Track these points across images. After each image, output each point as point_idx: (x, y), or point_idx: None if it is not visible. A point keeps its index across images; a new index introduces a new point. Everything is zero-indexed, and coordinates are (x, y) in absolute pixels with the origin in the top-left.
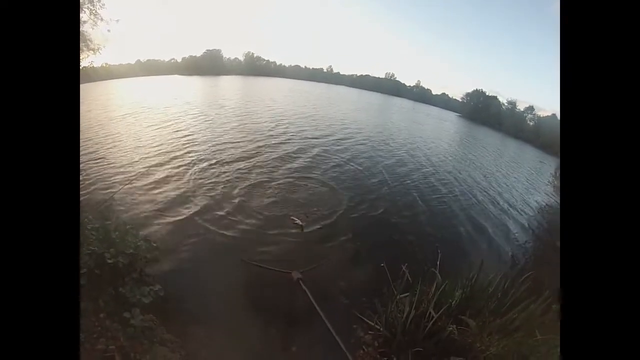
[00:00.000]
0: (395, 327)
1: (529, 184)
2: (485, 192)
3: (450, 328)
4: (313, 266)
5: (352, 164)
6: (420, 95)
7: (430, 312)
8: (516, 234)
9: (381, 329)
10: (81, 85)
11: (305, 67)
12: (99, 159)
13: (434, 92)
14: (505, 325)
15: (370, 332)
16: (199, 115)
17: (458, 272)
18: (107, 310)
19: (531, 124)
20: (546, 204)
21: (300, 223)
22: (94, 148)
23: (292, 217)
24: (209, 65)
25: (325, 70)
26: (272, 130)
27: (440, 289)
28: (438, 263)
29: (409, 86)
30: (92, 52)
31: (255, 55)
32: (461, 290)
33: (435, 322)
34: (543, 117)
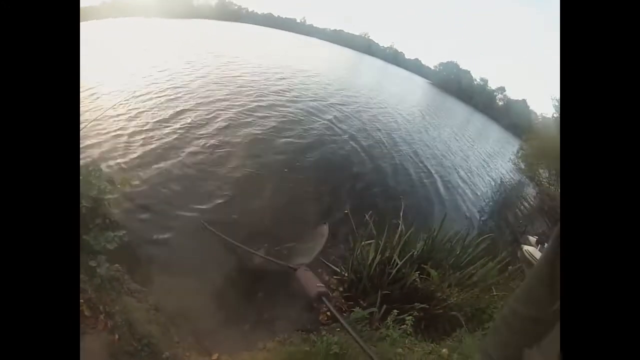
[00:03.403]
0: (360, 272)
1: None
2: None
3: (414, 277)
4: None
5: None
6: (393, 57)
7: (394, 259)
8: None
9: (346, 274)
10: None
11: (278, 16)
12: None
13: (406, 57)
14: (464, 280)
15: (335, 276)
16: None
17: (418, 226)
18: None
19: (500, 103)
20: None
21: None
22: None
23: None
24: (179, 8)
25: (298, 21)
26: None
27: (404, 237)
28: (401, 214)
29: (383, 47)
30: None
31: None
32: (423, 242)
33: (399, 269)
34: (514, 100)
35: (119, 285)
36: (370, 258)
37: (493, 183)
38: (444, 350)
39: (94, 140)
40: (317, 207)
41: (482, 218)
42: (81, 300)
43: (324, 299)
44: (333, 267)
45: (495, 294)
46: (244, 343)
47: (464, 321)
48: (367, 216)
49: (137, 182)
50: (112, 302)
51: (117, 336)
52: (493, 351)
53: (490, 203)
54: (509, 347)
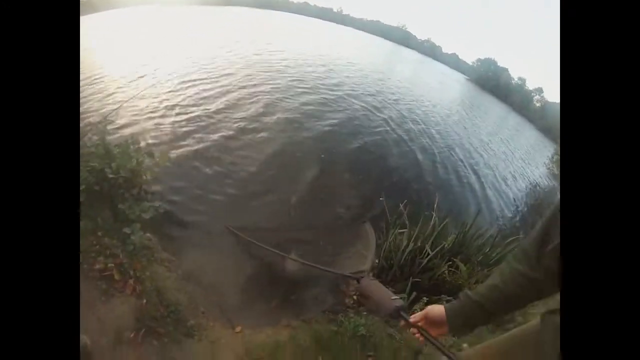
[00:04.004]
0: (392, 259)
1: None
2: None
3: (444, 268)
4: None
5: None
6: (430, 50)
7: (426, 249)
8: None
9: (377, 260)
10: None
11: (314, 5)
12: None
13: (444, 51)
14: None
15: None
16: None
17: (451, 220)
18: (106, 228)
19: (537, 105)
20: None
21: None
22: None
23: None
24: None
25: (335, 11)
26: None
27: (437, 229)
28: (435, 206)
29: (420, 39)
30: None
31: None
32: (454, 236)
33: (430, 259)
34: (551, 102)
35: (150, 254)
36: (403, 246)
37: (528, 186)
38: (464, 344)
39: (132, 119)
40: (353, 193)
41: (514, 220)
42: (112, 264)
43: (402, 313)
44: (363, 252)
45: None
46: (268, 319)
47: None
48: (401, 205)
49: (168, 164)
50: (143, 268)
51: (144, 301)
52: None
53: (523, 206)
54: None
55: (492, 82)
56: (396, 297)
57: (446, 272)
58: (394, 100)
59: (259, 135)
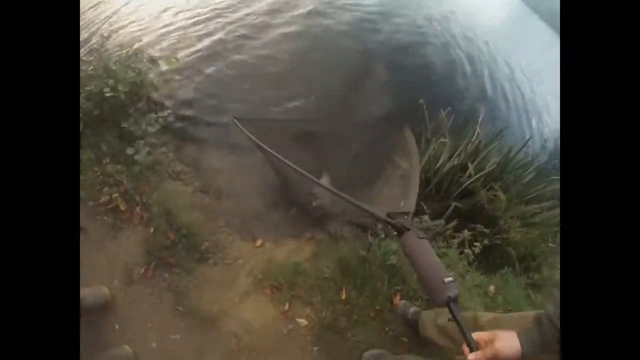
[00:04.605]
0: (429, 172)
1: None
2: None
3: (483, 195)
4: None
5: None
6: None
7: (470, 169)
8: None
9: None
10: None
11: None
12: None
13: None
14: (527, 216)
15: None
16: None
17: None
18: (111, 154)
19: None
20: None
21: None
22: None
23: None
24: None
25: None
26: None
27: (482, 150)
28: (480, 120)
29: None
30: None
31: None
32: (498, 159)
33: (472, 182)
34: None
35: (163, 169)
36: (443, 159)
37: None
38: (491, 287)
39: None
40: (390, 94)
41: (553, 161)
42: (116, 194)
43: (451, 306)
44: (398, 159)
45: (550, 245)
46: (290, 229)
47: (516, 260)
48: (442, 112)
49: (177, 66)
50: (151, 190)
51: (152, 229)
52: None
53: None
54: None
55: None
56: (450, 278)
57: (484, 198)
58: (448, 11)
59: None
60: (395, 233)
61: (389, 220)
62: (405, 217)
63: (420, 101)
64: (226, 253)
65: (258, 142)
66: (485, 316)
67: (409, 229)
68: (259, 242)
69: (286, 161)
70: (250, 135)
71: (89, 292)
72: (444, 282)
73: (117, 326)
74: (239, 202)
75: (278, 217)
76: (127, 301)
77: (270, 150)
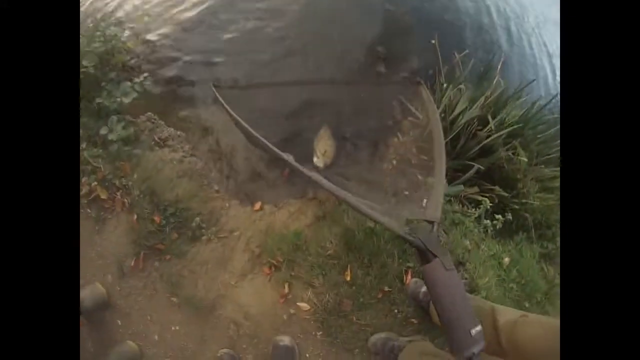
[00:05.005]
0: (445, 120)
1: None
2: None
3: (503, 153)
4: None
5: None
6: None
7: (490, 124)
8: None
9: (422, 117)
10: None
11: None
12: None
13: None
14: (545, 179)
15: (409, 117)
16: None
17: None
18: (87, 137)
19: None
20: None
21: None
22: None
23: None
24: None
25: None
26: None
27: (503, 100)
28: (499, 67)
29: None
30: None
31: None
32: (520, 112)
33: (492, 138)
34: None
35: (146, 139)
36: (461, 109)
37: None
38: (506, 259)
39: None
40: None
41: None
42: (95, 183)
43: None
44: (409, 105)
45: None
46: (290, 190)
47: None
48: (457, 55)
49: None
50: (132, 168)
51: (135, 216)
52: None
53: None
54: None
55: None
56: (479, 327)
57: (504, 159)
58: None
59: None
60: (416, 252)
61: (408, 237)
62: (431, 228)
63: (432, 41)
64: (221, 225)
65: (237, 117)
66: (504, 315)
67: (435, 256)
68: (257, 206)
69: (265, 141)
70: (228, 108)
71: (87, 294)
72: (470, 334)
73: (119, 322)
74: (233, 163)
75: (276, 176)
76: (123, 296)
77: (250, 129)
